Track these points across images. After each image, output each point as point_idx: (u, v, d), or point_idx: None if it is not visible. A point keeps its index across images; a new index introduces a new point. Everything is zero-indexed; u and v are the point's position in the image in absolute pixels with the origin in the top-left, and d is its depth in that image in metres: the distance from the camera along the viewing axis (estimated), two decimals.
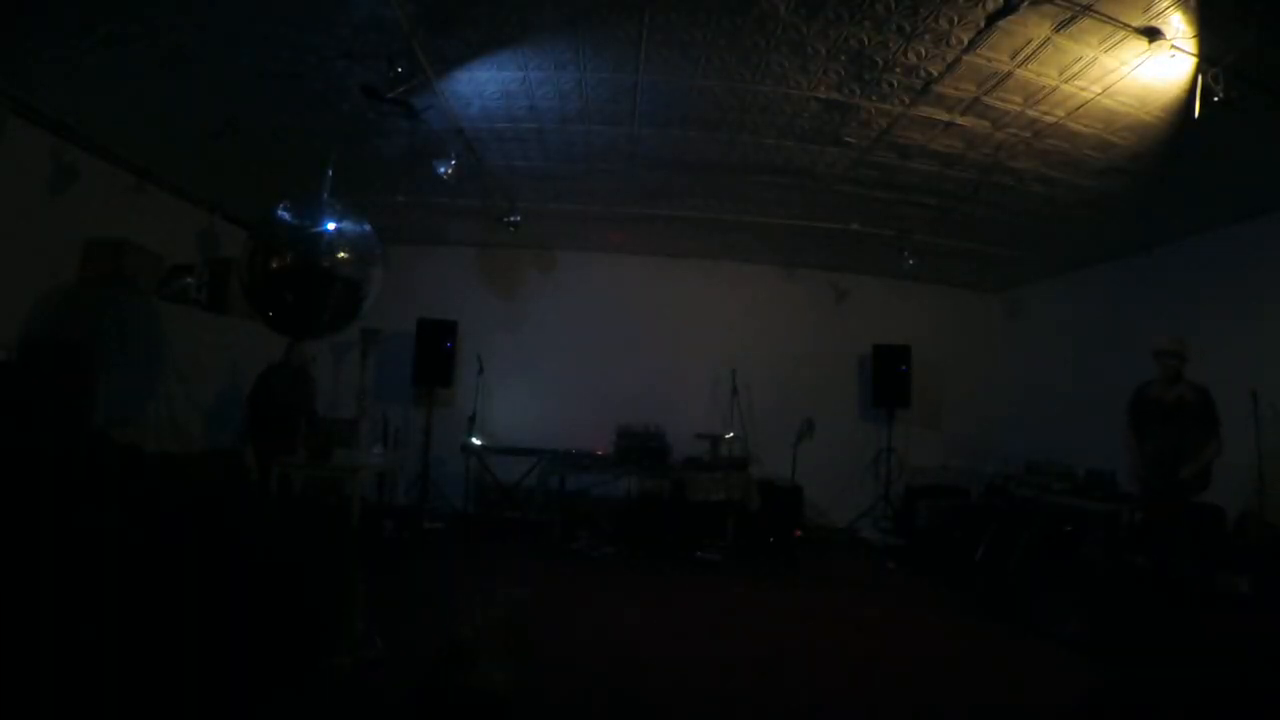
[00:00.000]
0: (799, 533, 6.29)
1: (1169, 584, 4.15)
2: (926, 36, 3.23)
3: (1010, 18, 3.00)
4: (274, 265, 3.69)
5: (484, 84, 3.94)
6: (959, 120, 4.06)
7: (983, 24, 3.08)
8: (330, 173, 4.07)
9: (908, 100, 3.87)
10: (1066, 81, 3.50)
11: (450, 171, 4.57)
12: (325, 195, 3.97)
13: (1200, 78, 3.11)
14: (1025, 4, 2.90)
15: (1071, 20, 2.99)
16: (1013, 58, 3.34)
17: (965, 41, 3.23)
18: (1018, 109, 3.85)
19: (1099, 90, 3.55)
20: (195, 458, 5.01)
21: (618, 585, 4.89)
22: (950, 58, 3.39)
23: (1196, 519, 4.09)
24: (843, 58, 3.48)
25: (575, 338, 7.56)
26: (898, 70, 3.56)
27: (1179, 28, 2.95)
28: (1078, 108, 3.75)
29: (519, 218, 5.96)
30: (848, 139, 4.44)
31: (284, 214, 3.78)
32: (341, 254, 3.74)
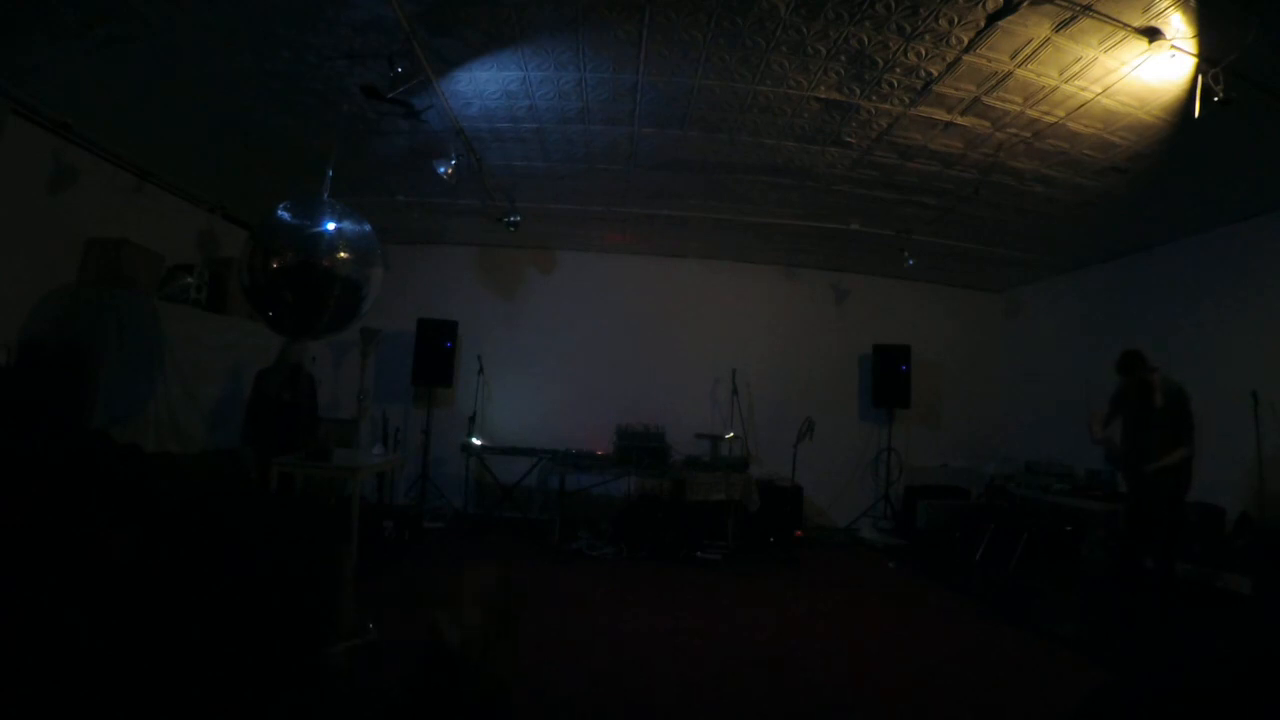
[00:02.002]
0: (799, 533, 6.29)
1: (1139, 578, 4.16)
2: (926, 36, 3.23)
3: (1010, 18, 3.00)
4: (274, 265, 3.69)
5: (484, 84, 3.94)
6: (959, 120, 4.06)
7: (983, 24, 3.08)
8: (330, 173, 4.07)
9: (908, 100, 3.87)
10: (1066, 81, 3.50)
11: (450, 171, 4.57)
12: (325, 195, 3.97)
13: (1200, 78, 3.11)
14: (1025, 4, 2.90)
15: (1071, 20, 3.00)
16: (1013, 58, 3.34)
17: (965, 41, 3.23)
18: (1018, 109, 3.85)
19: (1099, 90, 3.55)
20: (195, 458, 5.02)
21: (617, 585, 4.89)
22: (950, 58, 3.39)
23: (1174, 517, 4.07)
24: (843, 58, 3.48)
25: (575, 338, 7.57)
26: (898, 70, 3.56)
27: (1179, 28, 2.95)
28: (1078, 108, 3.76)
29: (519, 218, 5.96)
30: (848, 139, 4.44)
31: (284, 214, 3.79)
32: (341, 254, 3.75)
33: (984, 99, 3.77)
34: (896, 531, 7.06)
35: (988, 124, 4.07)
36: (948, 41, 3.25)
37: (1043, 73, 3.45)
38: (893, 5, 3.01)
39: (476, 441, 6.80)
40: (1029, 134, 4.14)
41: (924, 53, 3.37)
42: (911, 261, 6.44)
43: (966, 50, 3.30)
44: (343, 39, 3.45)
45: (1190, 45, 3.04)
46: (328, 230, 3.75)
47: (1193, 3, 2.80)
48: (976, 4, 2.95)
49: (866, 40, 3.30)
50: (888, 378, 7.46)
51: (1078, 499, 5.34)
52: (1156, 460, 4.04)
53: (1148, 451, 4.12)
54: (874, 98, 3.88)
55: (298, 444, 4.87)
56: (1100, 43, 3.14)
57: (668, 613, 4.30)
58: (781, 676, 3.39)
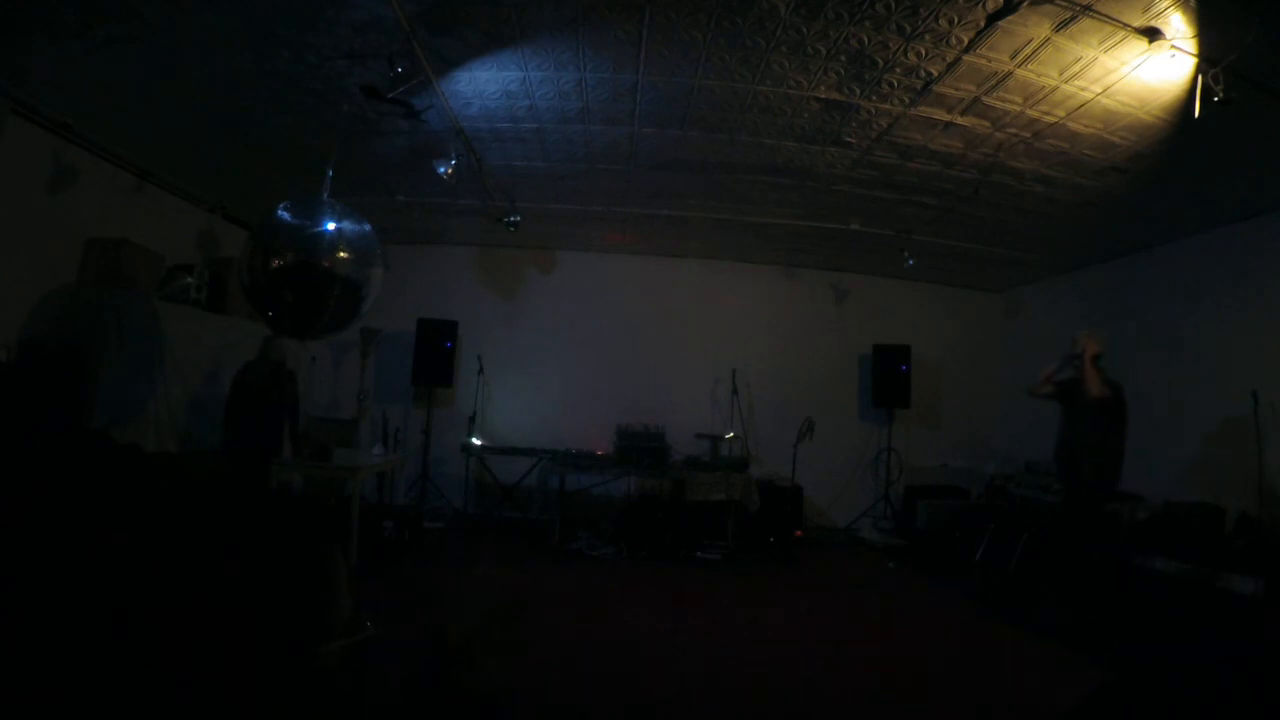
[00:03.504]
0: (799, 533, 6.29)
1: (1088, 572, 4.21)
2: (926, 36, 3.23)
3: (1010, 18, 3.00)
4: (274, 265, 3.69)
5: (484, 84, 3.94)
6: (959, 120, 4.05)
7: (983, 24, 3.08)
8: (330, 173, 4.07)
9: (908, 100, 3.87)
10: (1066, 81, 3.50)
11: (450, 171, 4.57)
12: (325, 195, 3.97)
13: (1200, 78, 3.11)
14: (1025, 4, 2.90)
15: (1071, 20, 2.99)
16: (1013, 58, 3.34)
17: (965, 41, 3.23)
18: (1018, 109, 3.85)
19: (1099, 90, 3.55)
20: (195, 457, 5.01)
21: (618, 585, 4.89)
22: (950, 58, 3.39)
23: (1103, 506, 4.15)
24: (843, 58, 3.48)
25: (575, 338, 7.56)
26: (898, 70, 3.56)
27: (1179, 28, 2.95)
28: (1078, 108, 3.75)
29: (519, 218, 5.96)
30: (848, 139, 4.44)
31: (284, 214, 3.79)
32: (341, 254, 3.75)
33: (984, 99, 3.77)
34: (896, 531, 7.05)
35: (988, 124, 4.07)
36: (948, 41, 3.25)
37: (1043, 73, 3.44)
38: (893, 5, 3.01)
39: (476, 441, 6.80)
40: (1029, 134, 4.14)
41: (924, 53, 3.37)
42: (911, 261, 6.44)
43: (966, 50, 3.30)
44: (343, 39, 3.45)
45: (1190, 45, 3.03)
46: (328, 230, 3.75)
47: (1193, 3, 2.80)
48: (976, 4, 2.95)
49: (866, 40, 3.30)
50: (888, 378, 7.45)
51: None
52: (1087, 451, 4.12)
53: (1073, 442, 4.17)
54: (874, 98, 3.88)
55: (279, 444, 4.85)
56: (1100, 43, 3.14)
57: (668, 613, 4.30)
58: (781, 676, 3.39)
